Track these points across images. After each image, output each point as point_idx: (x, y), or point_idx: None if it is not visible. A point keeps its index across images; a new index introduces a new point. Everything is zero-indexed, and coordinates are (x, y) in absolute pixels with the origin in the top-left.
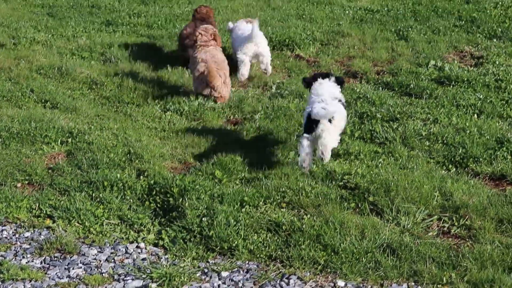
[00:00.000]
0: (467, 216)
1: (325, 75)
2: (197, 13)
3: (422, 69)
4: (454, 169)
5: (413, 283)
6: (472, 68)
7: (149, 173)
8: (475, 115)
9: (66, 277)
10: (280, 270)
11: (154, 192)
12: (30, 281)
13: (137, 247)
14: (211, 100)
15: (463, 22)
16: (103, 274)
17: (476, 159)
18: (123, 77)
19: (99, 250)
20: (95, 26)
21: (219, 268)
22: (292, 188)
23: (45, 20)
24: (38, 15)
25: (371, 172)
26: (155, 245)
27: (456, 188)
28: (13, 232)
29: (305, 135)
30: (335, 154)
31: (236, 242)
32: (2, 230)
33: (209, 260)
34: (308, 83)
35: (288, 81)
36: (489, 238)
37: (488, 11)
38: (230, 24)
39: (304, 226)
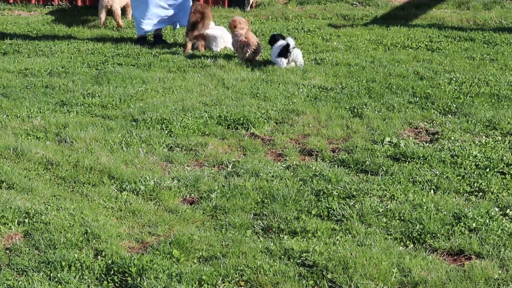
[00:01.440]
0: None
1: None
2: None
3: (377, 146)
4: (412, 245)
5: None
6: (427, 144)
7: (106, 252)
8: (432, 191)
9: None
10: None
11: (112, 272)
12: None
13: None
14: (167, 179)
15: (417, 98)
16: None
17: (433, 234)
18: (79, 157)
19: None
20: (50, 107)
21: None
22: (250, 266)
23: None
24: None
25: (329, 249)
26: None
27: (414, 264)
28: None
29: (283, 58)
30: (293, 232)
31: None
32: None
33: None
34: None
35: (244, 159)
36: None
37: (442, 87)
38: None
39: None
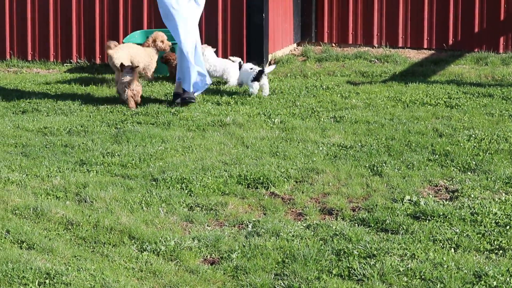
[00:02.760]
0: None
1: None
2: None
3: (397, 204)
4: None
5: None
6: (447, 202)
7: None
8: (452, 249)
9: None
10: None
11: None
12: None
13: None
14: (188, 239)
15: (437, 156)
16: None
17: None
18: (99, 217)
19: None
20: (69, 166)
21: None
22: None
23: (19, 160)
24: (12, 154)
25: None
26: None
27: None
28: None
29: (255, 82)
30: None
31: None
32: None
33: None
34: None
35: (264, 219)
36: None
37: (461, 144)
38: None
39: None
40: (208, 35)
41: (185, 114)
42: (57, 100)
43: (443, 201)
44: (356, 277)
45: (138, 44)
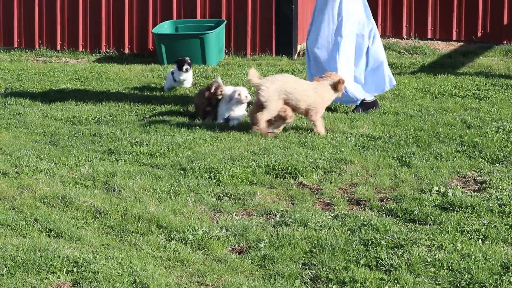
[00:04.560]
0: None
1: None
2: None
3: (425, 195)
4: None
5: None
6: (475, 193)
7: None
8: (480, 241)
9: None
10: None
11: None
12: None
13: None
14: (216, 229)
15: (465, 147)
16: None
17: (482, 284)
18: (127, 206)
19: None
20: (98, 155)
21: None
22: None
23: (47, 149)
24: (40, 143)
25: None
26: None
27: None
28: None
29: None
30: (341, 282)
31: None
32: None
33: None
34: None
35: (292, 209)
36: None
37: (490, 136)
38: None
39: None
40: (237, 26)
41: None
42: (85, 90)
43: (471, 192)
44: (383, 267)
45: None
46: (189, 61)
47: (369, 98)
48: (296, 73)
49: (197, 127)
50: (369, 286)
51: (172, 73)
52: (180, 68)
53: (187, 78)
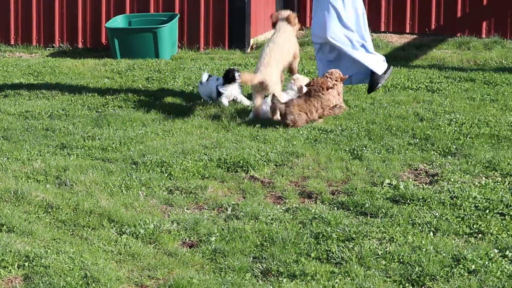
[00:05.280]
0: None
1: None
2: None
3: (377, 188)
4: None
5: None
6: (427, 186)
7: None
8: (431, 233)
9: None
10: None
11: None
12: None
13: None
14: (167, 222)
15: (417, 140)
16: None
17: (433, 277)
18: (79, 200)
19: None
20: (50, 149)
21: None
22: None
23: None
24: None
25: None
26: None
27: None
28: None
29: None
30: (292, 275)
31: None
32: None
33: None
34: None
35: (243, 202)
36: None
37: (442, 128)
38: None
39: None
40: (190, 20)
41: (167, 98)
42: (39, 84)
43: (422, 185)
44: (334, 260)
45: None
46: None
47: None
48: (248, 67)
49: (150, 120)
50: (320, 279)
51: (217, 85)
52: (231, 80)
53: (236, 94)
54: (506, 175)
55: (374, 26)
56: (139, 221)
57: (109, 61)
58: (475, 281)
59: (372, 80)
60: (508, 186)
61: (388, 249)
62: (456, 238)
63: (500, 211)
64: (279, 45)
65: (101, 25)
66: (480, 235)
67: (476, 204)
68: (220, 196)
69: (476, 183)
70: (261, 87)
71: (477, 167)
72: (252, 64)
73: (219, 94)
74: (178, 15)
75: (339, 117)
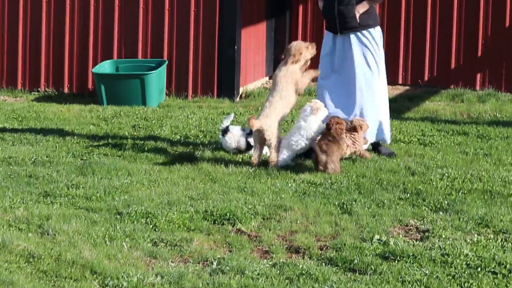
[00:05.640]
0: None
1: None
2: None
3: (366, 244)
4: None
5: None
6: (417, 242)
7: None
8: None
9: None
10: None
11: None
12: None
13: None
14: (151, 275)
15: (408, 194)
16: None
17: None
18: (61, 250)
19: None
20: (33, 197)
21: None
22: None
23: None
24: None
25: None
26: None
27: None
28: None
29: None
30: None
31: None
32: None
33: None
34: None
35: (229, 256)
36: None
37: (434, 183)
38: None
39: None
40: (178, 67)
41: (152, 147)
42: (23, 129)
43: (413, 241)
44: None
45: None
46: None
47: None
48: (237, 116)
49: (135, 170)
50: None
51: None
52: None
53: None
54: (498, 232)
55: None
56: (123, 274)
57: (95, 107)
58: None
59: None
60: (500, 244)
61: None
62: None
63: (492, 270)
64: (282, 98)
65: (88, 70)
66: None
67: (468, 262)
68: (205, 249)
69: (468, 240)
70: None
71: (469, 224)
72: (240, 113)
73: (249, 146)
74: (167, 62)
75: None
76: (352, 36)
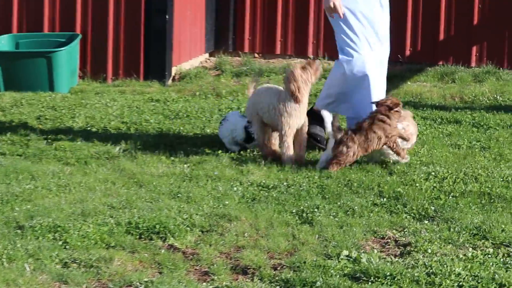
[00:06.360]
0: None
1: None
2: None
3: (332, 261)
4: None
5: None
6: (396, 259)
7: None
8: None
9: None
10: None
11: None
12: None
13: None
14: None
15: (385, 199)
16: None
17: None
18: None
19: None
20: None
21: None
22: None
23: None
24: None
25: None
26: None
27: None
28: None
29: None
30: None
31: None
32: None
33: None
34: None
35: (159, 279)
36: None
37: (417, 185)
38: None
39: None
40: (94, 43)
41: (63, 143)
42: None
43: (391, 258)
44: None
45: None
46: None
47: None
48: (170, 103)
49: (40, 172)
50: None
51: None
52: None
53: None
54: (499, 246)
55: (331, 51)
56: None
57: None
58: None
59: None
60: (502, 260)
61: None
62: None
63: None
64: None
65: None
66: None
67: (461, 283)
68: (129, 270)
69: (461, 256)
70: None
71: (462, 235)
72: (173, 99)
73: (249, 138)
74: (80, 36)
75: (284, 169)
76: None
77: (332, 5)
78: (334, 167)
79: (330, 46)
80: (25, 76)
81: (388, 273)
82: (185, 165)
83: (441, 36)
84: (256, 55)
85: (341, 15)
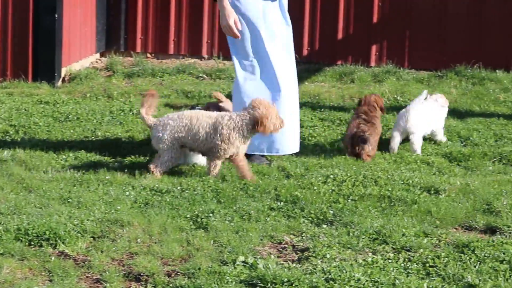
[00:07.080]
0: None
1: None
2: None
3: (227, 267)
4: None
5: None
6: (294, 265)
7: None
8: None
9: None
10: None
11: None
12: None
13: None
14: None
15: (282, 203)
16: None
17: None
18: None
19: None
20: None
21: None
22: None
23: None
24: None
25: None
26: None
27: None
28: None
29: None
30: None
31: None
32: None
33: None
34: None
35: (50, 287)
36: None
37: (315, 188)
38: None
39: None
40: None
41: None
42: None
43: (288, 263)
44: None
45: None
46: None
47: None
48: (59, 105)
49: None
50: None
51: None
52: None
53: None
54: (400, 250)
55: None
56: None
57: None
58: None
59: None
60: (402, 265)
61: None
62: None
63: None
64: None
65: None
66: None
67: None
68: (18, 279)
69: (360, 261)
70: None
71: (362, 239)
72: (63, 101)
73: None
74: None
75: (178, 172)
76: None
77: (226, 24)
78: None
79: (225, 46)
80: None
81: (285, 279)
82: (76, 169)
83: (340, 35)
84: (148, 55)
85: (238, 36)
